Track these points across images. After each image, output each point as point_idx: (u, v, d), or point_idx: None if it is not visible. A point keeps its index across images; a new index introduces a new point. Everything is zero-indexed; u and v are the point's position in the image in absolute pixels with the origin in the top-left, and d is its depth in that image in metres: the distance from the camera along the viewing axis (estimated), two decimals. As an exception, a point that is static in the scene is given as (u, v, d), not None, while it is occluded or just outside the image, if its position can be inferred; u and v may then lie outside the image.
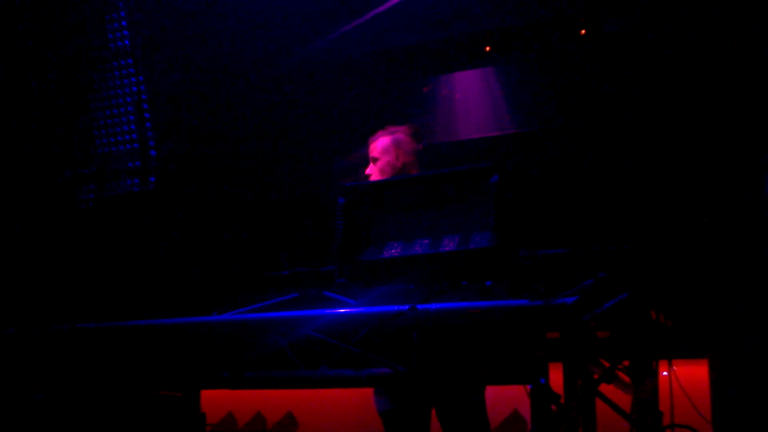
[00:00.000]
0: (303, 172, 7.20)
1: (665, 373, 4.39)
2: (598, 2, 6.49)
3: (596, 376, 3.78)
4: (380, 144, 4.83)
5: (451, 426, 4.45)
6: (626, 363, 4.08)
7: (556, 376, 3.48)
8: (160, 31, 7.51)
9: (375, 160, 4.83)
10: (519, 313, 3.40)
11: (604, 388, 3.81)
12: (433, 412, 4.57)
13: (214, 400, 5.89)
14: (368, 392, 4.73)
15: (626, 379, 4.13)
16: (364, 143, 4.94)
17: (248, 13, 7.23)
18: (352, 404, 5.87)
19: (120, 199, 7.19)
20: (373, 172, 4.83)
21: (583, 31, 6.56)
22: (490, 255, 3.58)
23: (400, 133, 4.85)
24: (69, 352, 4.30)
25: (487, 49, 6.94)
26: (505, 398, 5.46)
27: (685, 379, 4.49)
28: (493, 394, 4.85)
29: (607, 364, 3.89)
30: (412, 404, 4.53)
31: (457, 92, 7.15)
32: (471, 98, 7.07)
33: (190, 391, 5.12)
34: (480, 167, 3.71)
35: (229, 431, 6.35)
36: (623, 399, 4.06)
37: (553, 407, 3.36)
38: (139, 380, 4.24)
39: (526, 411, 5.36)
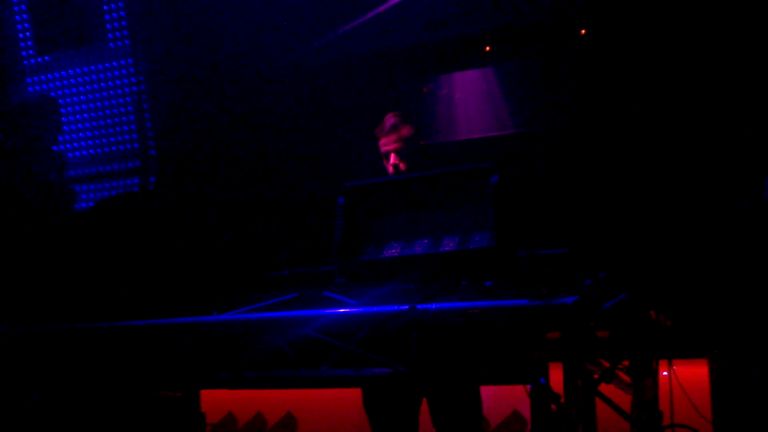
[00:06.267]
0: (303, 172, 7.19)
1: (665, 373, 4.38)
2: (598, 2, 6.49)
3: (596, 376, 3.78)
4: None
5: (446, 425, 4.43)
6: (626, 363, 4.07)
7: (556, 376, 3.48)
8: (160, 30, 7.52)
9: None
10: (519, 313, 3.40)
11: (604, 388, 3.81)
12: (425, 410, 4.55)
13: (214, 400, 5.88)
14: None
15: (626, 379, 4.12)
16: (363, 143, 4.92)
17: (248, 13, 7.22)
18: (352, 404, 5.86)
19: (120, 199, 7.19)
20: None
21: (583, 31, 6.55)
22: (490, 255, 3.58)
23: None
24: (69, 352, 4.29)
25: (487, 49, 6.93)
26: (505, 398, 5.46)
27: (685, 379, 4.48)
28: (493, 394, 4.85)
29: (607, 364, 3.88)
30: (402, 402, 4.51)
31: (457, 92, 7.14)
32: (471, 98, 7.06)
33: (190, 391, 5.12)
34: (480, 167, 3.71)
35: (229, 431, 6.35)
36: (623, 399, 4.06)
37: (553, 407, 3.36)
38: (139, 380, 4.24)
39: (526, 411, 5.35)
